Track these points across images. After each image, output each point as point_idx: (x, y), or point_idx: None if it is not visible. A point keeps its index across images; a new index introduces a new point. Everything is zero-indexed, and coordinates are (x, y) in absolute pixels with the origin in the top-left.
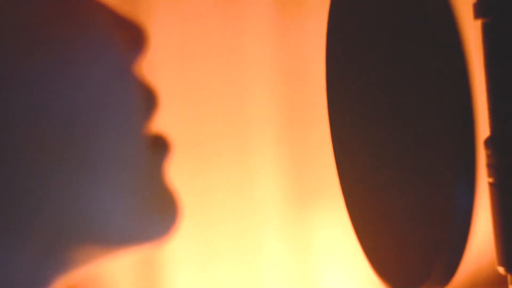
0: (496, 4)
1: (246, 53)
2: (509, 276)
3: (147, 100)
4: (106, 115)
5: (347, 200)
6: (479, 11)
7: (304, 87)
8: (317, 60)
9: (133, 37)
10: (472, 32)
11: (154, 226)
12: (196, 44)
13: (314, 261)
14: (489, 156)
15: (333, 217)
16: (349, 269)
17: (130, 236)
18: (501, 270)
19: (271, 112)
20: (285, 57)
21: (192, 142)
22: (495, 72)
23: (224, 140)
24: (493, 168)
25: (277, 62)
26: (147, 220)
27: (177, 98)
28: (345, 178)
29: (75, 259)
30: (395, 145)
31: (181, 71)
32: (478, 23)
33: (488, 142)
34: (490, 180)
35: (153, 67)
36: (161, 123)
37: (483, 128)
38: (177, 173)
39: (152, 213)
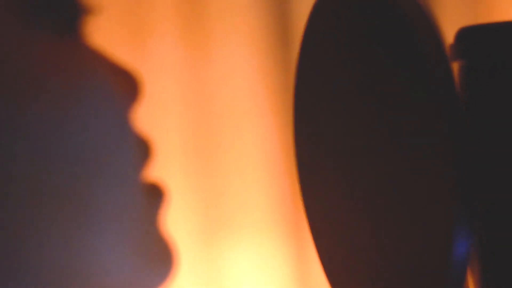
0: (470, 48)
1: (152, 91)
2: None
3: (144, 148)
4: (105, 164)
5: (315, 235)
6: (455, 54)
7: (209, 118)
8: (222, 92)
9: (129, 84)
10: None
11: (151, 275)
12: None
13: None
14: None
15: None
16: None
17: (126, 285)
18: None
19: (178, 144)
20: (191, 92)
21: None
22: (471, 111)
23: None
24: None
25: (183, 96)
26: (143, 269)
27: None
28: (313, 212)
29: None
30: (376, 188)
31: None
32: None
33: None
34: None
35: None
36: None
37: None
38: None
39: (149, 262)
